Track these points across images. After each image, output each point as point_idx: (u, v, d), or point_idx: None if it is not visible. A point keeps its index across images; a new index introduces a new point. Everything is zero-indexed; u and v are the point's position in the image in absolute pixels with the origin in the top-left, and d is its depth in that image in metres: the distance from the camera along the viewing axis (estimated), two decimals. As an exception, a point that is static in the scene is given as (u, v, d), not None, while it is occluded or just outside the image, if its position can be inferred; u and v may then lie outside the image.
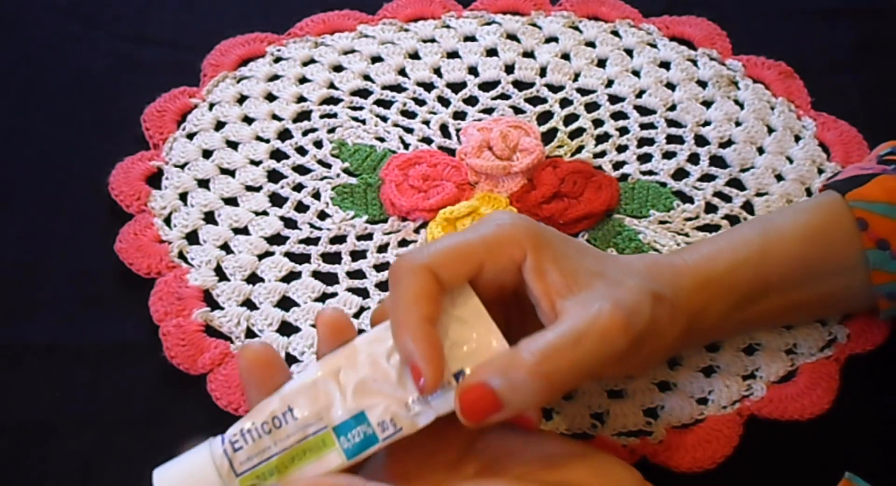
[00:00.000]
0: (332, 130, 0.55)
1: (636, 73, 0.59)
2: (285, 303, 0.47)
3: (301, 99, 0.57)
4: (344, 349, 0.35)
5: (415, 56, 0.60)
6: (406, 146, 0.54)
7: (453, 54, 0.60)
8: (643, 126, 0.56)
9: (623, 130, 0.56)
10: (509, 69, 0.59)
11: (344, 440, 0.33)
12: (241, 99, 0.57)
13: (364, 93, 0.57)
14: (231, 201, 0.51)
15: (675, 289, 0.39)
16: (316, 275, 0.48)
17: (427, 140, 0.55)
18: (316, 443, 0.33)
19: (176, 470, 0.33)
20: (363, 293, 0.47)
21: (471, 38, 0.61)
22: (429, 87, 0.58)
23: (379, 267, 0.49)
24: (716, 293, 0.40)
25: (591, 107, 0.57)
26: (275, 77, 0.58)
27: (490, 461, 0.35)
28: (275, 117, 0.56)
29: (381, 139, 0.55)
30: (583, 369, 0.34)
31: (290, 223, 0.50)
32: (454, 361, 0.34)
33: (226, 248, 0.49)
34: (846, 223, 0.41)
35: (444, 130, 0.56)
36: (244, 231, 0.50)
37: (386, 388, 0.34)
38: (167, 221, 0.50)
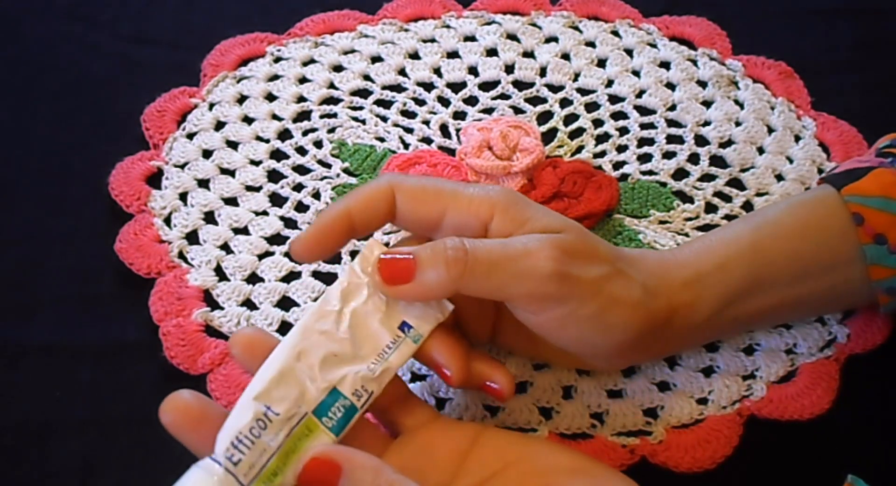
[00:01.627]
0: (332, 130, 0.55)
1: (636, 74, 0.59)
2: (285, 303, 0.47)
3: (301, 99, 0.57)
4: (296, 333, 0.35)
5: (415, 56, 0.60)
6: (406, 146, 0.54)
7: (453, 54, 0.60)
8: (643, 126, 0.56)
9: (623, 130, 0.56)
10: (509, 69, 0.59)
11: (326, 420, 0.34)
12: (241, 99, 0.57)
13: (364, 93, 0.57)
14: (231, 201, 0.51)
15: (655, 280, 0.39)
16: (316, 275, 0.48)
17: (427, 140, 0.55)
18: (302, 431, 0.34)
19: None
20: (363, 293, 0.47)
21: (471, 38, 0.61)
22: (429, 87, 0.58)
23: (379, 267, 0.49)
24: (705, 289, 0.40)
25: (591, 107, 0.57)
26: (275, 77, 0.58)
27: (486, 476, 0.35)
28: (275, 117, 0.56)
29: (381, 139, 0.55)
30: (498, 269, 0.35)
31: (290, 223, 0.50)
32: (396, 314, 0.36)
33: (226, 248, 0.49)
34: (841, 219, 0.41)
35: (444, 130, 0.56)
36: (244, 231, 0.50)
37: (346, 358, 0.35)
38: (167, 221, 0.50)
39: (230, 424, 0.33)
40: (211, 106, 0.56)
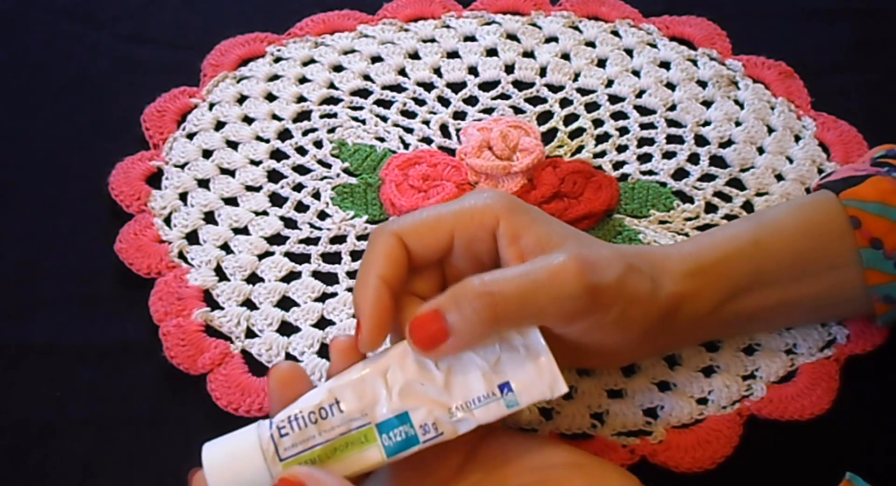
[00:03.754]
0: (332, 130, 0.55)
1: (636, 74, 0.59)
2: (285, 303, 0.47)
3: (301, 99, 0.57)
4: (395, 349, 0.35)
5: (415, 56, 0.60)
6: (406, 146, 0.54)
7: (453, 54, 0.60)
8: (643, 126, 0.56)
9: (623, 130, 0.56)
10: (509, 69, 0.59)
11: (385, 438, 0.34)
12: (241, 99, 0.57)
13: (364, 93, 0.57)
14: (231, 201, 0.51)
15: (660, 270, 0.39)
16: (316, 275, 0.48)
17: (427, 140, 0.55)
18: (358, 437, 0.34)
19: (224, 448, 0.33)
20: (363, 293, 0.47)
21: (471, 38, 0.61)
22: (429, 87, 0.58)
23: (379, 267, 0.49)
24: (708, 281, 0.40)
25: (591, 107, 0.57)
26: (275, 77, 0.58)
27: (489, 470, 0.35)
28: (275, 117, 0.56)
29: (381, 139, 0.55)
30: (529, 301, 0.34)
31: (290, 223, 0.50)
32: (503, 372, 0.35)
33: (226, 248, 0.49)
34: (840, 220, 0.41)
35: (444, 129, 0.56)
36: (244, 231, 0.50)
37: (431, 392, 0.34)
38: (167, 221, 0.50)
39: (301, 400, 0.34)
40: (211, 106, 0.56)
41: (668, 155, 0.55)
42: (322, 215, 0.51)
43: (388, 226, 0.37)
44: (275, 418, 0.34)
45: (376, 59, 0.59)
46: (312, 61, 0.59)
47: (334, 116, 0.56)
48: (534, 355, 0.35)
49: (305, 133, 0.55)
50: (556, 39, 0.61)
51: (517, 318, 0.35)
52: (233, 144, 0.54)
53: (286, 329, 0.46)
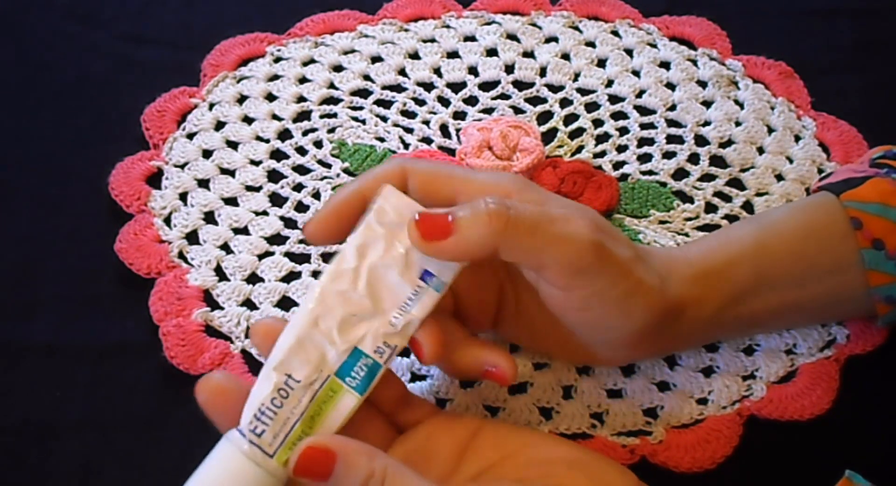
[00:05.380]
0: (332, 130, 0.55)
1: (636, 74, 0.59)
2: (285, 303, 0.47)
3: (301, 99, 0.57)
4: (312, 298, 0.35)
5: (415, 56, 0.60)
6: (406, 146, 0.54)
7: (453, 54, 0.60)
8: (643, 126, 0.56)
9: (623, 130, 0.56)
10: (509, 69, 0.59)
11: (350, 380, 0.34)
12: (241, 99, 0.57)
13: (364, 93, 0.57)
14: (231, 201, 0.51)
15: (667, 271, 0.39)
16: (316, 275, 0.48)
17: (427, 140, 0.55)
18: (326, 394, 0.34)
19: (211, 479, 0.33)
20: (363, 293, 0.47)
21: (471, 38, 0.61)
22: (429, 87, 0.58)
23: (379, 267, 0.49)
24: (712, 285, 0.40)
25: (591, 107, 0.57)
26: (275, 77, 0.58)
27: (486, 467, 0.35)
28: (275, 117, 0.56)
29: (381, 139, 0.55)
30: (540, 230, 0.34)
31: (290, 223, 0.50)
32: (416, 265, 0.35)
33: (226, 248, 0.49)
34: (841, 222, 0.42)
35: (444, 129, 0.56)
36: (244, 231, 0.50)
37: (366, 317, 0.35)
38: (167, 221, 0.50)
39: (253, 396, 0.34)
40: (211, 106, 0.56)
41: (668, 155, 0.55)
42: (322, 215, 0.51)
43: (402, 159, 0.38)
44: (241, 424, 0.33)
45: (376, 59, 0.59)
46: (312, 61, 0.59)
47: (334, 116, 0.56)
48: None
49: (305, 133, 0.55)
50: (556, 39, 0.61)
51: (524, 240, 0.34)
52: (233, 144, 0.54)
53: (286, 329, 0.46)
